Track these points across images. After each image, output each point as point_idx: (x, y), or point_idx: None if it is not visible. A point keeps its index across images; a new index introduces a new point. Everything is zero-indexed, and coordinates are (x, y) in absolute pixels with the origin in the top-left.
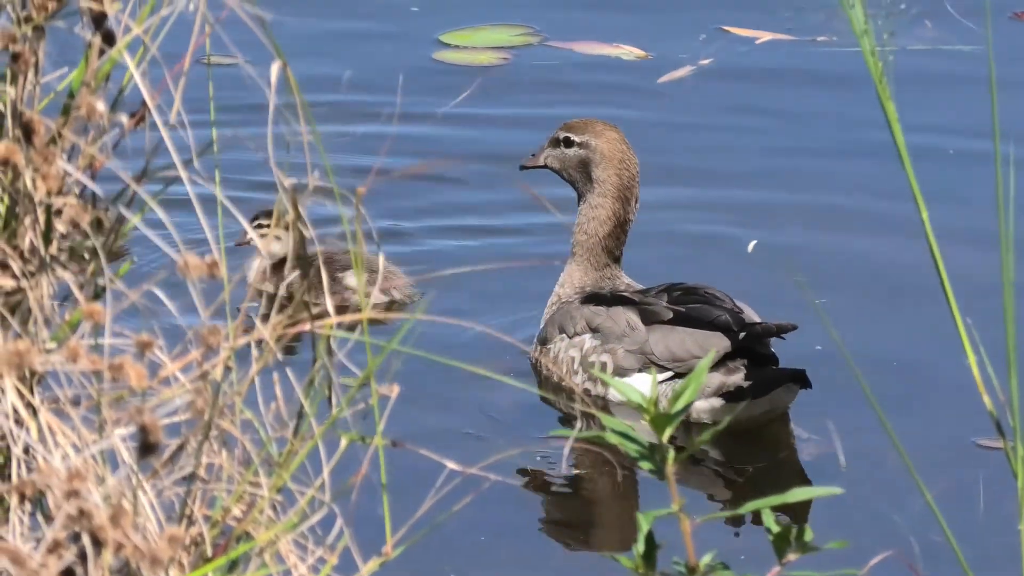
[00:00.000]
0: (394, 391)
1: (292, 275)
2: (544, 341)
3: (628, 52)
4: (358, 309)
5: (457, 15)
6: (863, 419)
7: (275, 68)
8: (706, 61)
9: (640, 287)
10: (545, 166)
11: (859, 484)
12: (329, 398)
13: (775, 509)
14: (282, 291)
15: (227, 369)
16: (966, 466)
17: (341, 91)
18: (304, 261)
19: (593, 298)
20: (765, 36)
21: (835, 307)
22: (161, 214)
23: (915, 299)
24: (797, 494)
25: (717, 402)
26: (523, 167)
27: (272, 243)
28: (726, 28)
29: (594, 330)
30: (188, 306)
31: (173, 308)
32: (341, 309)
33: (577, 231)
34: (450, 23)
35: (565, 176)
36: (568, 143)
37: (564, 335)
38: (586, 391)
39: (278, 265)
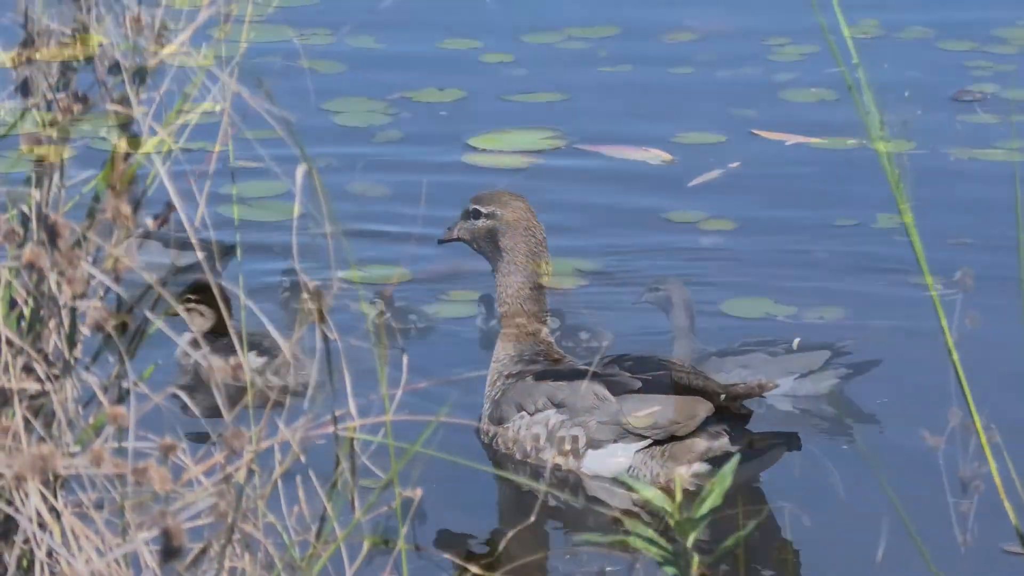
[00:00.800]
0: (417, 494)
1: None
2: (500, 420)
3: (655, 156)
4: (259, 389)
5: (485, 119)
6: (889, 521)
7: (300, 172)
8: (735, 164)
9: (569, 359)
10: (459, 239)
11: None
12: (352, 501)
13: None
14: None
15: (250, 472)
16: (993, 571)
17: (367, 197)
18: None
19: (550, 374)
20: (794, 139)
21: (890, 405)
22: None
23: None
24: None
25: (703, 467)
26: (440, 241)
27: (198, 318)
28: (755, 132)
29: (558, 405)
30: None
31: (197, 411)
32: (241, 389)
33: (498, 304)
34: (479, 127)
35: (475, 247)
36: (476, 215)
37: (524, 413)
38: (557, 467)
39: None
